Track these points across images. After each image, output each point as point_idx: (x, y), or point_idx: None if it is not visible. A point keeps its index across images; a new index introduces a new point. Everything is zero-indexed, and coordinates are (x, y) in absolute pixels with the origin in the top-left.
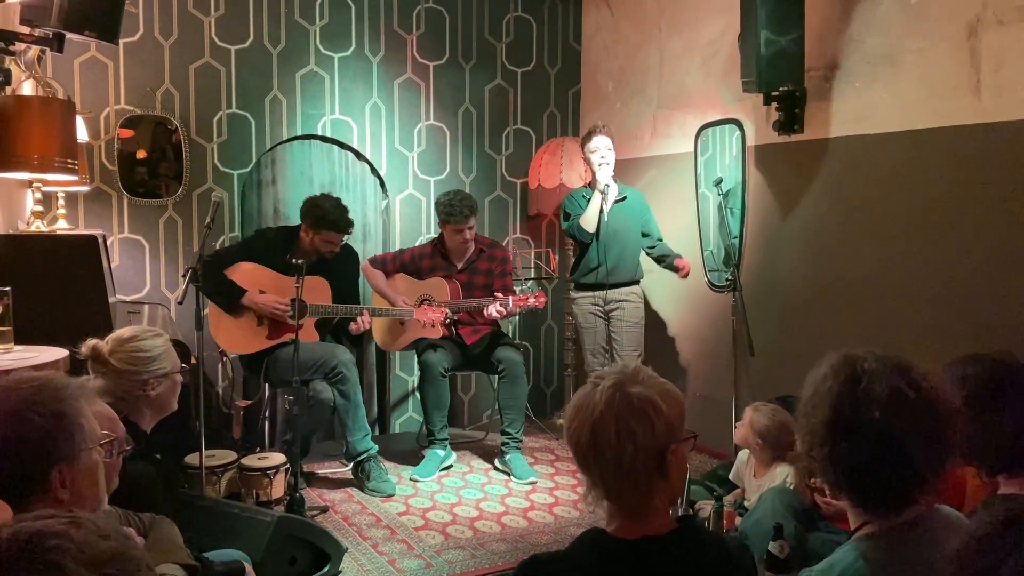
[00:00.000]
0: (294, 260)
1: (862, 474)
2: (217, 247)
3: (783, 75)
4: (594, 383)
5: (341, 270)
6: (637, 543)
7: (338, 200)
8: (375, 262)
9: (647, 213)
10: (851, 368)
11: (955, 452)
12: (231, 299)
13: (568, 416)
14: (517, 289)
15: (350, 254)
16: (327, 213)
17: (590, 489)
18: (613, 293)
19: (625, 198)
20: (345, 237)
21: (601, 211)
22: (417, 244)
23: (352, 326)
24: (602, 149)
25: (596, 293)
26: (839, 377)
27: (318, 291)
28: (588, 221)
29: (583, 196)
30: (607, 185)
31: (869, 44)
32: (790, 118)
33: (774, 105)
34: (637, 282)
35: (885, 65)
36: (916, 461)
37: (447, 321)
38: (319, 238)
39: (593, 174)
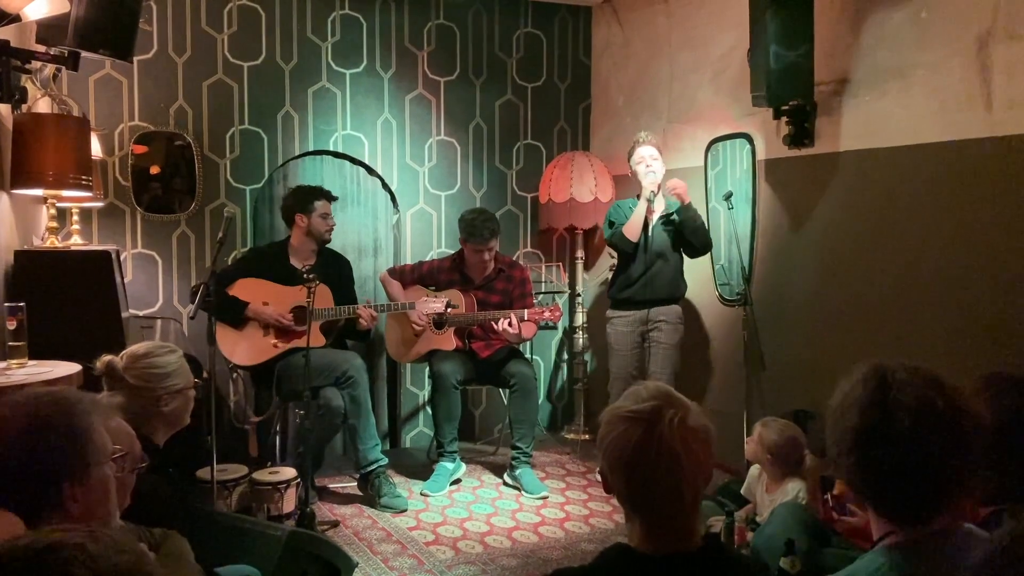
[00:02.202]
0: (306, 275)
1: (887, 482)
2: (229, 261)
3: (793, 89)
4: (647, 410)
5: (337, 275)
6: (666, 560)
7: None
8: (393, 272)
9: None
10: (881, 377)
11: (980, 467)
12: (236, 313)
13: (613, 443)
14: (535, 300)
15: (340, 259)
16: (311, 188)
17: (628, 510)
18: (652, 313)
19: (673, 215)
20: (333, 214)
21: (646, 223)
22: (431, 258)
23: (360, 323)
24: (647, 159)
25: (633, 313)
26: (869, 385)
27: (320, 296)
28: (631, 230)
29: (630, 207)
30: (653, 193)
31: (879, 58)
32: (800, 132)
33: (784, 119)
34: (678, 300)
35: (895, 79)
36: (942, 472)
37: (448, 308)
38: (315, 217)
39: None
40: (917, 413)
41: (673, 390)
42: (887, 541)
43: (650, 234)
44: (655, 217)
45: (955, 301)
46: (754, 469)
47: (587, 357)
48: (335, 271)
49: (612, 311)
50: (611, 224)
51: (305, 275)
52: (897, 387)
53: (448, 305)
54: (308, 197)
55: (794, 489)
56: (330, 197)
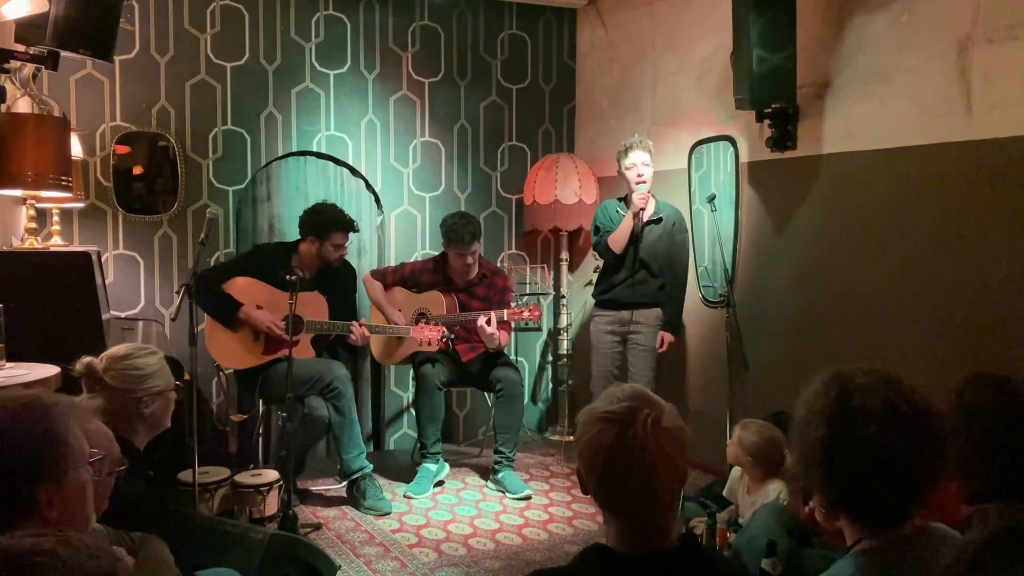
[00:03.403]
0: (288, 276)
1: (859, 489)
2: (212, 263)
3: (775, 92)
4: (622, 411)
5: (340, 284)
6: (643, 559)
7: (334, 204)
8: (375, 274)
9: (677, 237)
10: (842, 384)
11: (947, 465)
12: (228, 312)
13: (588, 443)
14: (512, 305)
15: (348, 268)
16: (333, 216)
17: (604, 510)
18: (631, 315)
19: (660, 219)
20: (351, 237)
21: (633, 232)
22: (415, 259)
23: (351, 338)
24: (639, 165)
25: (614, 313)
26: (831, 394)
27: (315, 307)
28: (617, 242)
29: (617, 211)
30: (641, 210)
31: (861, 62)
32: (783, 135)
33: (767, 122)
34: (660, 305)
35: (877, 82)
36: (911, 474)
37: (443, 339)
38: (329, 244)
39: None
40: (881, 419)
41: (649, 392)
42: (860, 546)
43: (638, 241)
44: (641, 222)
45: (935, 303)
46: (735, 471)
47: (569, 359)
48: (336, 280)
49: (595, 310)
50: (597, 229)
51: (288, 277)
52: (860, 393)
53: (444, 337)
54: (327, 226)
55: (775, 490)
56: (349, 229)
